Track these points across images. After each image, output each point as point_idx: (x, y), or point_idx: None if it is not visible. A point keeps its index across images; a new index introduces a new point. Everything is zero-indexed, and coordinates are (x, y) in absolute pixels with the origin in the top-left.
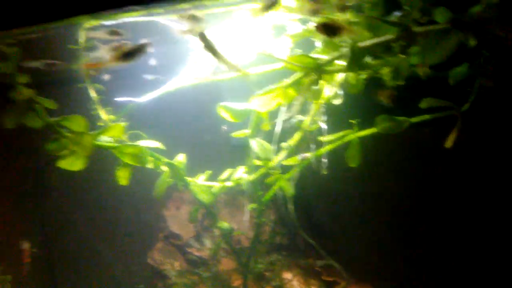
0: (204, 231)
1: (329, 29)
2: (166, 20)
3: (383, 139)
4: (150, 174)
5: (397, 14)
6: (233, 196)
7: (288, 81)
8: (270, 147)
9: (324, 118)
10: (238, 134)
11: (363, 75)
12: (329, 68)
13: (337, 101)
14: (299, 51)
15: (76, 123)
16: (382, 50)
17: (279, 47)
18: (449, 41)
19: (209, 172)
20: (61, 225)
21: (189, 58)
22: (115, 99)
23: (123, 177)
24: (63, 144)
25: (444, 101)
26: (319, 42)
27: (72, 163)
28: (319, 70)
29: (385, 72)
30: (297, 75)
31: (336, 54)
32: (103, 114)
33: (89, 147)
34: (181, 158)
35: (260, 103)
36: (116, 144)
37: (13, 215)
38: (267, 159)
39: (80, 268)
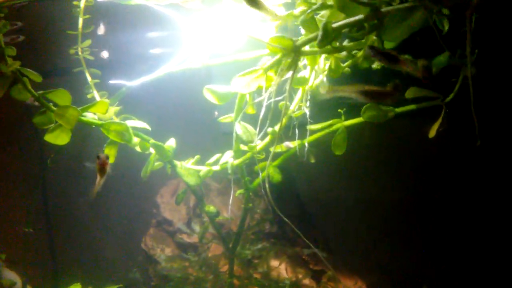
0: (195, 217)
1: None
2: (159, 5)
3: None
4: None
5: None
6: (226, 185)
7: (269, 63)
8: (254, 130)
9: (308, 105)
10: (224, 118)
11: (341, 59)
12: (307, 49)
13: (322, 89)
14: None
15: (61, 96)
16: (356, 32)
17: (264, 32)
18: (413, 18)
19: (198, 156)
20: (63, 209)
21: (184, 43)
22: (110, 82)
23: (110, 155)
24: (49, 118)
25: (429, 91)
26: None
27: (57, 137)
28: (297, 52)
29: (360, 55)
30: (277, 57)
31: (312, 35)
32: (98, 98)
33: (73, 121)
34: (171, 143)
35: (241, 84)
36: (101, 122)
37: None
38: (250, 142)
39: (79, 251)
